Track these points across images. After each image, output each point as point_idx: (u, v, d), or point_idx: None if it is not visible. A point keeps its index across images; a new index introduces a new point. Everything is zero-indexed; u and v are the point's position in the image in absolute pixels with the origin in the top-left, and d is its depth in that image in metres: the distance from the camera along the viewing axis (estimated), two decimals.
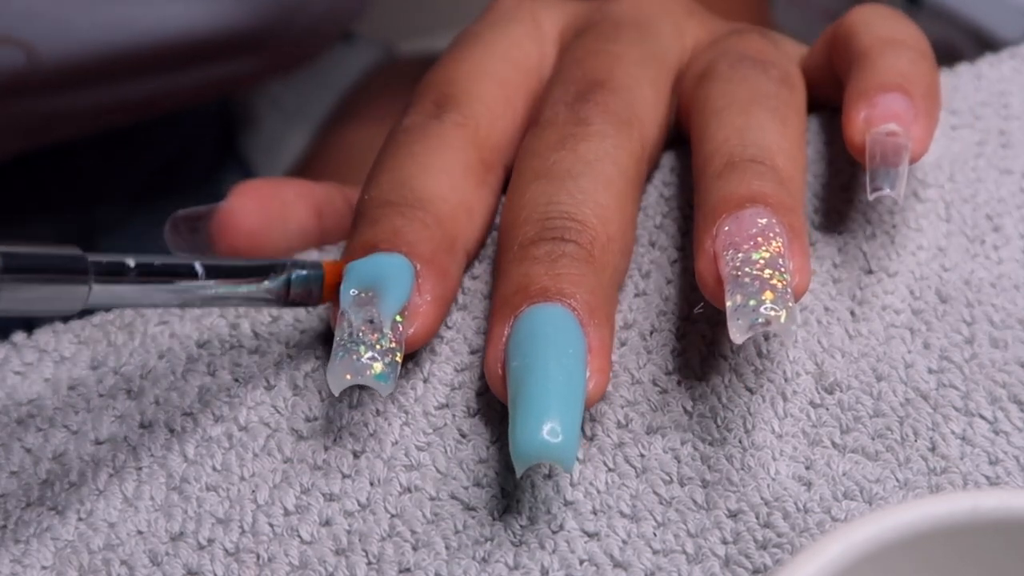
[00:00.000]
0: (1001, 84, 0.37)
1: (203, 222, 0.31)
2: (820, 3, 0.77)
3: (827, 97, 0.34)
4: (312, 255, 0.32)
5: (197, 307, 0.27)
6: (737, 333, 0.25)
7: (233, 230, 0.31)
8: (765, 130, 0.29)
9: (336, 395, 0.27)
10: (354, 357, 0.26)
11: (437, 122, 0.31)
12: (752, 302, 0.25)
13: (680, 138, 0.33)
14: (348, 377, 0.26)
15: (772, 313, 0.25)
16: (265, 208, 0.32)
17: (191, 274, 0.26)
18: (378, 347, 0.26)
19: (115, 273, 0.25)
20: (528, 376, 0.25)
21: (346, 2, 0.53)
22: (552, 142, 0.30)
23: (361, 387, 0.28)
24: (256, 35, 0.48)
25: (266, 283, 0.27)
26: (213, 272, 0.26)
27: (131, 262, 0.25)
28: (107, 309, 0.30)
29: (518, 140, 0.32)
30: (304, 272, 0.28)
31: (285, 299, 0.28)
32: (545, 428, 0.24)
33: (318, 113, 0.62)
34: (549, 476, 0.27)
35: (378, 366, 0.26)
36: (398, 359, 0.26)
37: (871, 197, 0.29)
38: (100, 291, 0.24)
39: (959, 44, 0.71)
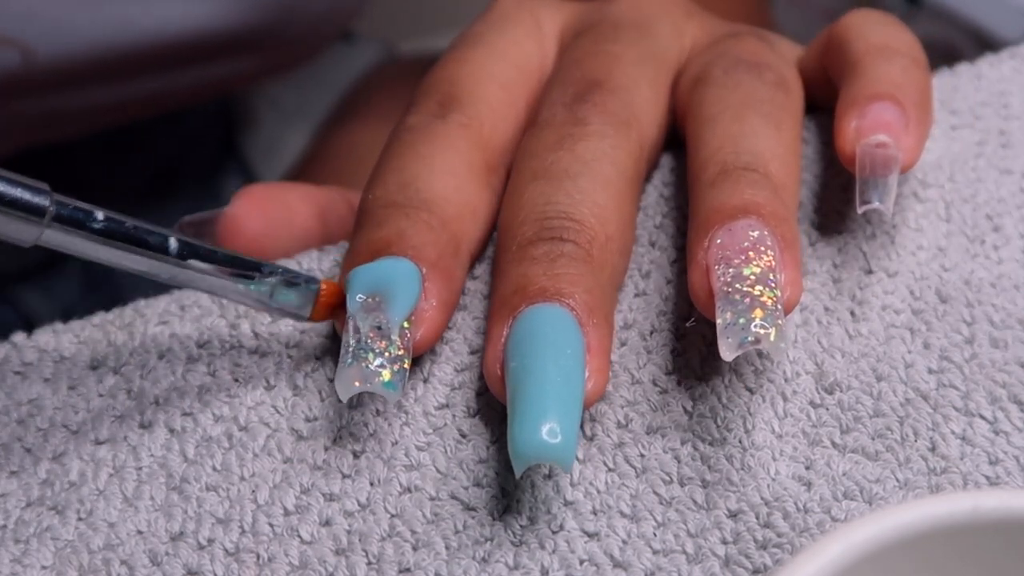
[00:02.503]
0: (1001, 84, 0.37)
1: (208, 227, 0.31)
2: (820, 3, 0.77)
3: (825, 98, 0.34)
4: (312, 254, 0.32)
5: (163, 280, 0.26)
6: (727, 351, 0.25)
7: (237, 235, 0.31)
8: (759, 136, 0.29)
9: (344, 401, 0.27)
10: (364, 364, 0.26)
11: (441, 122, 0.30)
12: (742, 320, 0.25)
13: (680, 139, 0.33)
14: (357, 384, 0.26)
15: (762, 331, 0.25)
16: (269, 212, 0.32)
17: (162, 248, 0.25)
18: (387, 354, 0.26)
19: (77, 223, 0.24)
20: (526, 377, 0.25)
21: (345, 1, 0.53)
22: (550, 142, 0.30)
23: None
24: (255, 34, 0.48)
25: (251, 286, 0.27)
26: (189, 252, 0.25)
27: (100, 216, 0.24)
28: (70, 255, 0.27)
29: (519, 141, 0.32)
30: (292, 292, 0.27)
31: (267, 306, 0.27)
32: (544, 428, 0.24)
33: (318, 113, 0.62)
34: (549, 476, 0.27)
35: (387, 373, 0.26)
36: (406, 366, 0.26)
37: (860, 211, 0.29)
38: (55, 236, 0.23)
39: (959, 44, 0.71)
